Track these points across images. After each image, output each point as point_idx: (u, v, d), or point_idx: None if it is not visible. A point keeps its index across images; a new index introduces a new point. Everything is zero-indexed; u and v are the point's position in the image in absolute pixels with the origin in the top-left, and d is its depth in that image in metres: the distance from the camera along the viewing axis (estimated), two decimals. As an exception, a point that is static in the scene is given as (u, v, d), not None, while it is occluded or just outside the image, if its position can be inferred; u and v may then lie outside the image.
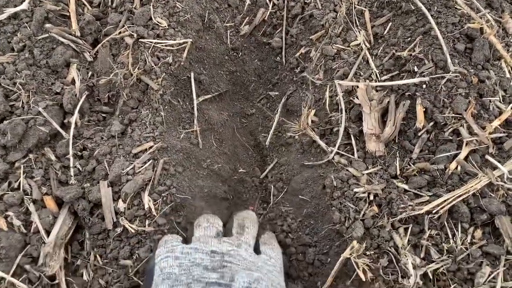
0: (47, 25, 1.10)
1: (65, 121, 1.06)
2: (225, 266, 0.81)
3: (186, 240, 0.88)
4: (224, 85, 1.26)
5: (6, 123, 0.97)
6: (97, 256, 0.95)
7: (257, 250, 0.91)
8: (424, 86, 1.04)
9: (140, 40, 1.12)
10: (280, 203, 1.14)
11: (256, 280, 0.79)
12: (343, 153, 1.07)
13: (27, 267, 0.90)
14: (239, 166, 1.21)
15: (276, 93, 1.28)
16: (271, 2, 1.29)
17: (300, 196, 1.10)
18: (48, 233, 0.93)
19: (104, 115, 1.11)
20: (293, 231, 1.07)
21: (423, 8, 1.10)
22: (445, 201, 0.94)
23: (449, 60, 1.02)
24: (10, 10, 1.12)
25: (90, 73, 1.12)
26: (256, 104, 1.30)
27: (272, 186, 1.17)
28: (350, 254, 0.93)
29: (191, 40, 1.15)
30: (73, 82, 1.09)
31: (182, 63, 1.14)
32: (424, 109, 1.01)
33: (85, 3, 1.22)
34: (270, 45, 1.29)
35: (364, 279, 0.90)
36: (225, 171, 1.15)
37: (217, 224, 0.92)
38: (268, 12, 1.28)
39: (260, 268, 0.85)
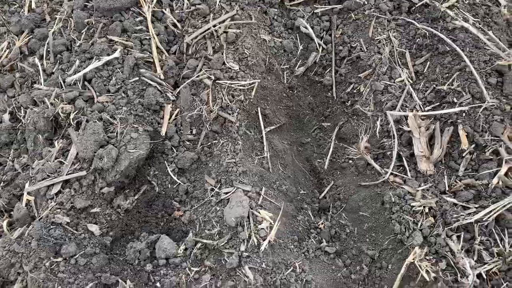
0: (141, 70, 1.30)
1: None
2: None
3: None
4: (283, 118, 1.45)
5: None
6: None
7: None
8: (463, 114, 1.22)
9: (217, 81, 1.31)
10: (340, 217, 1.29)
11: None
12: (397, 173, 1.24)
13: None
14: (300, 188, 1.37)
15: (328, 124, 1.47)
16: (321, 46, 1.50)
17: (360, 213, 1.26)
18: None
19: (188, 142, 1.29)
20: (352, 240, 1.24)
21: (458, 49, 1.30)
22: (491, 211, 1.10)
23: (484, 92, 1.21)
24: (106, 58, 1.33)
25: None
26: (311, 134, 1.48)
27: (331, 205, 1.33)
28: (413, 259, 1.08)
29: (258, 80, 1.35)
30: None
31: (251, 100, 1.34)
32: (466, 134, 1.19)
33: (164, 51, 1.43)
34: (322, 83, 1.49)
35: (428, 279, 1.05)
36: (291, 192, 1.31)
37: None
38: (319, 55, 1.49)
39: None
